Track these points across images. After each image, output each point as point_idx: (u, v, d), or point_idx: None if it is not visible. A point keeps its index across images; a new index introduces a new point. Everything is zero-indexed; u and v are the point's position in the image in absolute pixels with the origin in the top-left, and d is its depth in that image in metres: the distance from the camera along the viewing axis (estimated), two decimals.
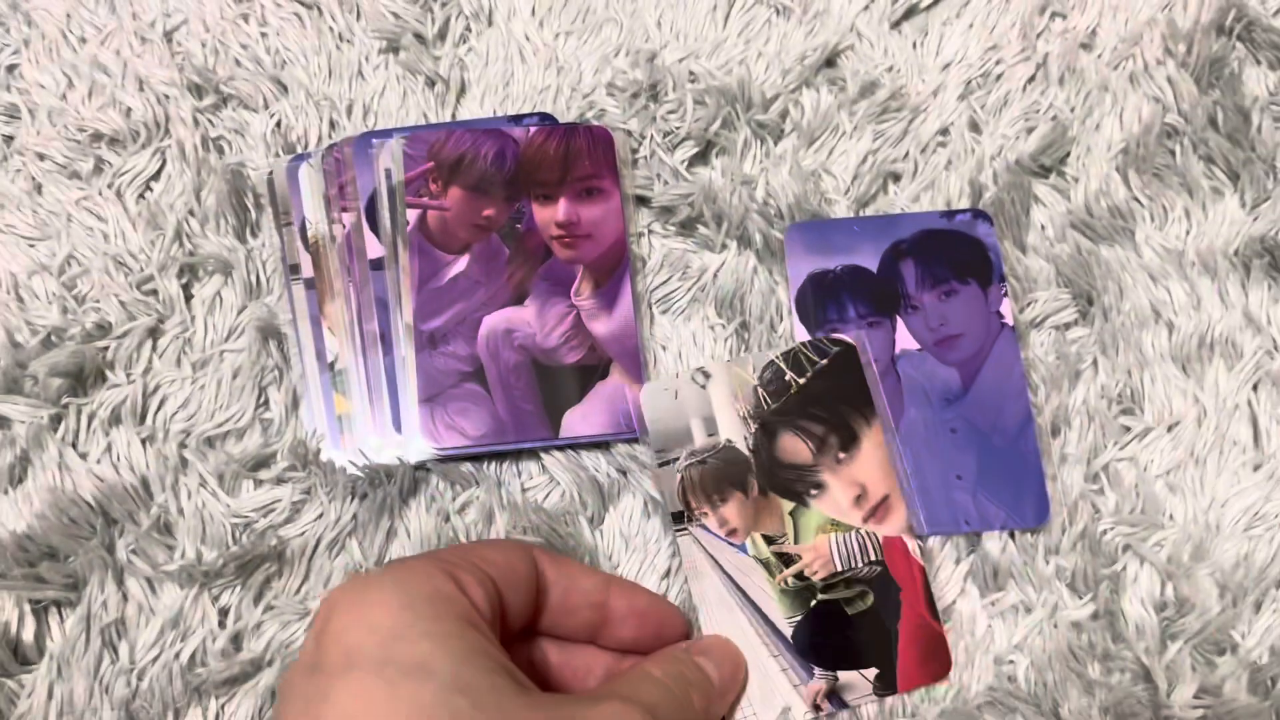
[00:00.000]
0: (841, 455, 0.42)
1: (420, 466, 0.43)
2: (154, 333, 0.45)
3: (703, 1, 0.51)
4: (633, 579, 0.43)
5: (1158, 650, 0.41)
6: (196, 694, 0.40)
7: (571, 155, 0.46)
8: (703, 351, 0.46)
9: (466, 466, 0.44)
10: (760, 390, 0.43)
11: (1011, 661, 0.42)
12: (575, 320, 0.45)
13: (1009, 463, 0.43)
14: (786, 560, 0.42)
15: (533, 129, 0.46)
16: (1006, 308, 0.45)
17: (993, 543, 0.43)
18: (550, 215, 0.46)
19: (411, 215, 0.45)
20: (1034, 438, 0.44)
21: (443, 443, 0.43)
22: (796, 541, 0.42)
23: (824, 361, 0.43)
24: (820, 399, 0.43)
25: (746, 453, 0.42)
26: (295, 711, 0.31)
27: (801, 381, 0.43)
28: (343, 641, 0.31)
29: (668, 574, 0.43)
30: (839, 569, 0.42)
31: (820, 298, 0.46)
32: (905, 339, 0.45)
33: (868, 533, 0.42)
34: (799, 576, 0.41)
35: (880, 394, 0.43)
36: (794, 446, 0.42)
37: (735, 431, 0.43)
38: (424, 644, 0.31)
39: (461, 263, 0.45)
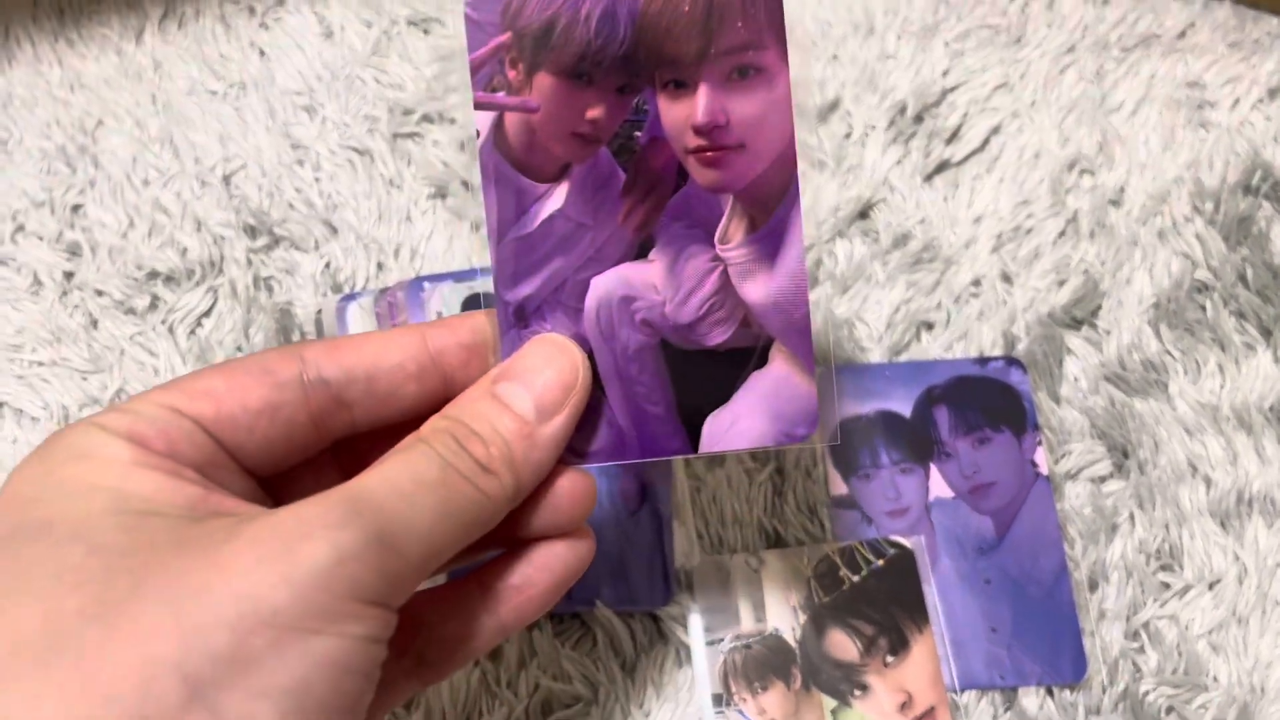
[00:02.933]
0: (890, 659, 0.42)
1: None
2: None
3: None
4: None
5: None
6: None
7: (716, 11, 0.30)
8: (737, 495, 0.46)
9: None
10: (813, 582, 0.43)
11: None
12: (721, 280, 0.31)
13: (1045, 615, 0.43)
14: None
15: None
16: (1040, 457, 0.45)
17: (1030, 699, 0.42)
18: (685, 113, 0.30)
19: (482, 121, 0.30)
20: (1069, 590, 0.43)
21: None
22: None
23: (880, 562, 0.43)
24: (873, 599, 0.43)
25: (793, 643, 0.42)
26: None
27: (855, 579, 0.43)
28: None
29: None
30: None
31: (854, 443, 0.46)
32: (939, 486, 0.45)
33: None
34: None
35: (935, 602, 0.43)
36: (842, 643, 0.42)
37: (784, 621, 0.42)
38: (55, 505, 0.25)
39: (557, 195, 0.31)
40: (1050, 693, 0.42)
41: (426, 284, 0.47)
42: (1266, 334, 0.48)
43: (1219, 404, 0.47)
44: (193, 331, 0.48)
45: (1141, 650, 0.43)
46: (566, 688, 0.42)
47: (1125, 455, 0.46)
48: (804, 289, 0.31)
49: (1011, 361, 0.47)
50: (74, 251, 0.50)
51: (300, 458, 0.31)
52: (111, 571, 0.24)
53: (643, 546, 0.43)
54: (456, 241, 0.50)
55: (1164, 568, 0.45)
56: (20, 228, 0.50)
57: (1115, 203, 0.52)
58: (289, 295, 0.49)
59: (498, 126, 0.30)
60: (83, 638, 0.23)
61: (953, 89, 0.54)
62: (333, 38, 0.55)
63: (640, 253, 0.31)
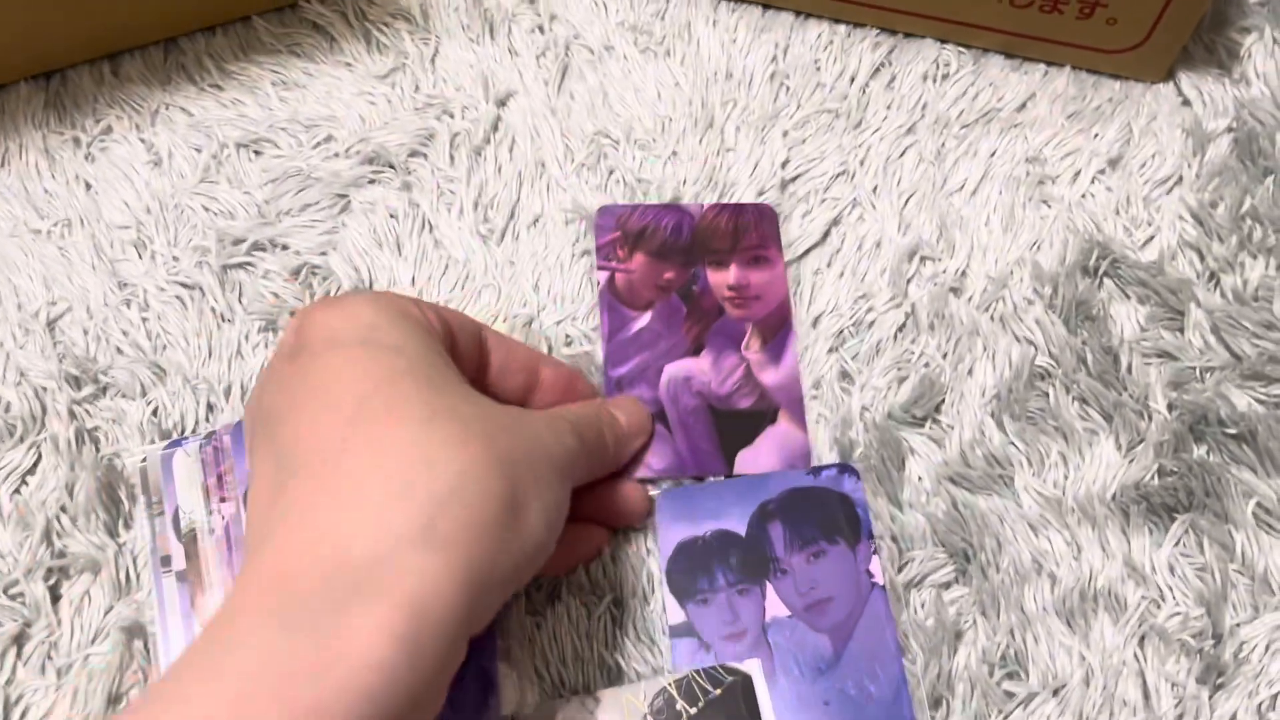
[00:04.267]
0: None
1: None
2: (19, 639, 0.44)
3: (578, 266, 0.52)
4: None
5: None
6: None
7: (741, 228, 0.52)
8: (577, 630, 0.45)
9: None
10: (650, 719, 0.42)
11: None
12: (746, 371, 0.49)
13: None
14: None
15: (705, 205, 0.53)
16: (875, 566, 0.45)
17: None
18: (723, 279, 0.51)
19: (601, 276, 0.51)
20: (909, 706, 0.43)
21: (633, 474, 0.47)
22: None
23: (717, 691, 0.42)
24: None
25: None
26: (275, 387, 0.36)
27: (693, 712, 0.42)
28: (324, 327, 0.36)
29: None
30: None
31: (690, 568, 0.45)
32: (775, 605, 0.44)
33: None
34: None
35: None
36: None
37: None
38: (396, 332, 0.36)
39: (646, 318, 0.50)
40: None
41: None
42: (1108, 419, 0.48)
43: (1063, 496, 0.47)
44: (17, 490, 0.47)
45: None
46: None
47: (967, 559, 0.46)
48: (798, 378, 0.49)
49: (844, 468, 0.47)
50: None
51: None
52: (463, 400, 0.37)
53: (465, 710, 0.42)
54: None
55: (1009, 675, 0.44)
56: None
57: (956, 290, 0.51)
58: (115, 446, 0.48)
59: (611, 279, 0.51)
60: (481, 421, 0.36)
61: (792, 179, 0.54)
62: (161, 165, 0.54)
63: (695, 352, 0.50)
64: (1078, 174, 0.54)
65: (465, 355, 0.41)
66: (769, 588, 0.45)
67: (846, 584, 0.45)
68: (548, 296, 0.51)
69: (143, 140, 0.55)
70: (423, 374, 0.35)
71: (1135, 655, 0.44)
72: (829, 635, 0.44)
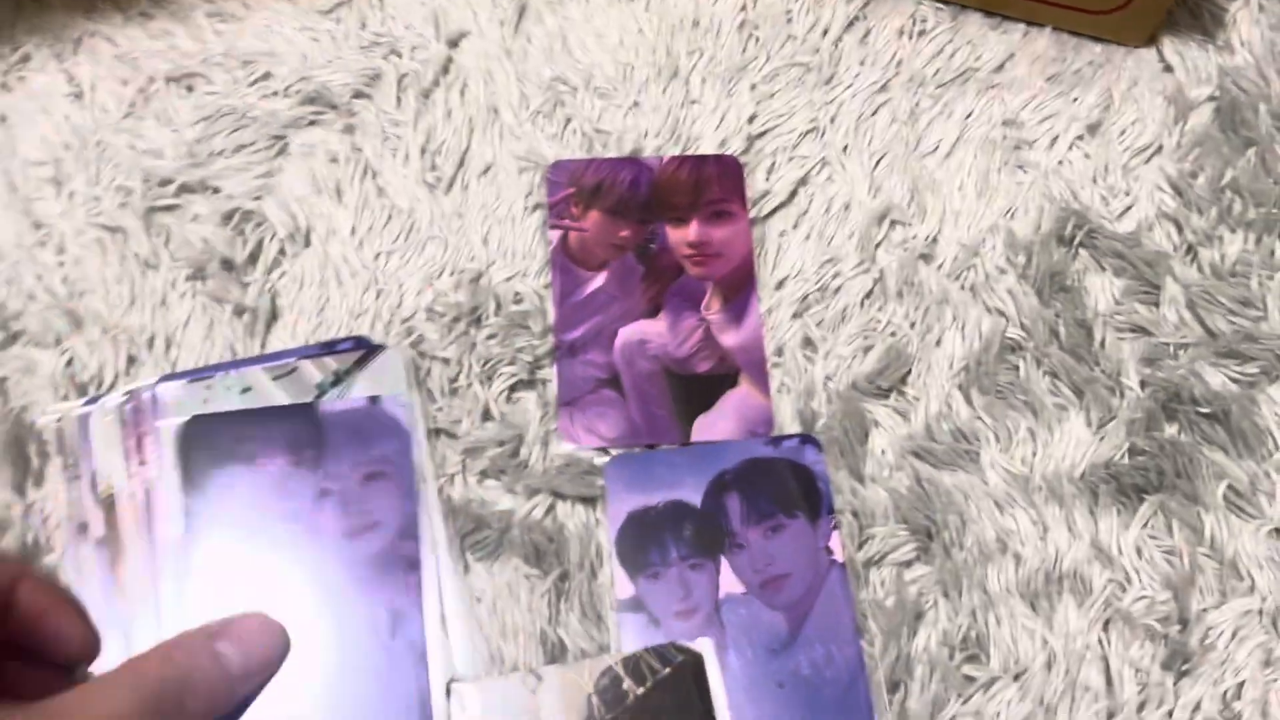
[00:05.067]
0: None
1: None
2: None
3: (532, 219, 0.49)
4: None
5: None
6: None
7: (702, 182, 0.49)
8: (519, 603, 0.42)
9: None
10: (594, 698, 0.40)
11: None
12: (706, 333, 0.47)
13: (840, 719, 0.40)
14: None
15: (665, 159, 0.49)
16: (835, 542, 0.43)
17: None
18: (682, 236, 0.48)
19: (554, 236, 0.48)
20: (866, 690, 0.41)
21: (581, 443, 0.44)
22: None
23: (667, 670, 0.40)
24: (659, 712, 0.39)
25: None
26: None
27: (640, 691, 0.40)
28: None
29: None
30: None
31: (641, 540, 0.43)
32: (730, 581, 0.42)
33: None
34: None
35: (724, 713, 0.40)
36: None
37: None
38: None
39: (600, 279, 0.47)
40: None
41: (160, 391, 0.43)
42: (1079, 394, 0.46)
43: (1030, 474, 0.45)
44: None
45: None
46: None
47: (930, 537, 0.44)
48: (761, 339, 0.47)
49: (806, 439, 0.44)
50: None
51: None
52: None
53: (396, 683, 0.39)
54: (217, 328, 0.46)
55: (970, 659, 0.42)
56: None
57: (926, 257, 0.49)
58: (25, 399, 0.44)
59: (564, 238, 0.48)
60: None
61: (759, 135, 0.51)
62: (82, 99, 0.50)
63: (652, 313, 0.47)
64: (1055, 139, 0.52)
65: None
66: (723, 563, 0.43)
67: (804, 560, 0.43)
68: (498, 251, 0.48)
69: (63, 71, 0.51)
70: None
71: (1099, 640, 0.42)
72: (785, 614, 0.42)
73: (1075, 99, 0.53)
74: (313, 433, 0.43)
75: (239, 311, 0.46)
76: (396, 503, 0.43)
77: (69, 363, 0.45)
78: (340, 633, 0.40)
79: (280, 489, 0.42)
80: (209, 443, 0.43)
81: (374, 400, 0.44)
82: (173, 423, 0.43)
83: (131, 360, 0.45)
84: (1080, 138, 0.52)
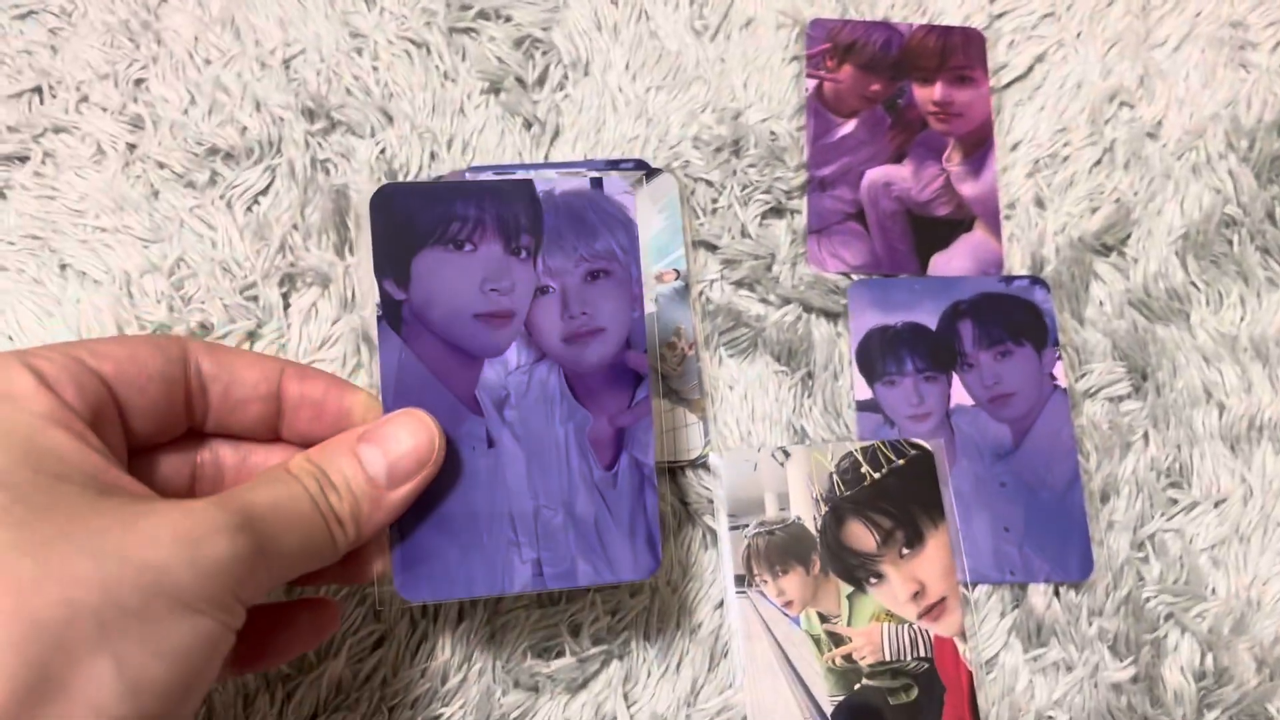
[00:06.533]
0: (905, 551, 0.44)
1: None
2: (252, 336, 0.47)
3: (787, 70, 0.54)
4: (687, 607, 0.44)
5: (1195, 717, 0.42)
6: (265, 681, 0.42)
7: (949, 49, 0.54)
8: (767, 395, 0.47)
9: None
10: (836, 477, 0.45)
11: (1051, 717, 0.43)
12: (946, 181, 0.51)
13: (1055, 518, 0.45)
14: (837, 640, 0.43)
15: (914, 25, 0.54)
16: (1059, 371, 0.47)
17: (1038, 598, 0.44)
18: (928, 95, 0.53)
19: (810, 84, 0.53)
20: (1080, 496, 0.45)
21: (827, 268, 0.50)
22: (850, 624, 0.43)
23: (900, 461, 0.45)
24: (892, 495, 0.45)
25: (814, 532, 0.44)
26: None
27: (876, 476, 0.45)
28: None
29: (720, 605, 0.44)
30: (887, 658, 0.43)
31: (881, 352, 0.48)
32: (960, 395, 0.47)
33: (921, 629, 0.43)
34: (847, 659, 0.43)
35: (951, 501, 0.45)
36: (860, 534, 0.44)
37: (806, 511, 0.44)
38: None
39: (850, 125, 0.52)
40: (1057, 592, 0.44)
41: (477, 173, 0.48)
42: None
43: (1238, 335, 0.49)
44: (250, 208, 0.50)
45: (1146, 560, 0.45)
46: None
47: (1144, 377, 0.48)
48: (996, 193, 0.51)
49: (1035, 281, 0.49)
50: (137, 124, 0.51)
51: (166, 437, 0.34)
52: (37, 519, 0.26)
53: (621, 509, 0.37)
54: (508, 136, 0.52)
55: (1173, 485, 0.46)
56: (84, 98, 0.51)
57: (1152, 135, 0.53)
58: (345, 179, 0.50)
59: (819, 87, 0.53)
60: (18, 566, 0.25)
61: (1000, 15, 0.55)
62: None
63: (897, 160, 0.52)
64: (1278, 44, 0.55)
65: (143, 407, 0.32)
66: (955, 379, 0.47)
67: (1029, 383, 0.47)
68: (755, 95, 0.53)
69: None
70: None
71: None
72: (1010, 426, 0.46)
73: None
74: (532, 217, 0.37)
75: (528, 124, 0.52)
76: (623, 305, 0.38)
77: (382, 151, 0.51)
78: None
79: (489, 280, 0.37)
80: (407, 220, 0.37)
81: (595, 184, 0.38)
82: None
83: (433, 155, 0.51)
84: None
